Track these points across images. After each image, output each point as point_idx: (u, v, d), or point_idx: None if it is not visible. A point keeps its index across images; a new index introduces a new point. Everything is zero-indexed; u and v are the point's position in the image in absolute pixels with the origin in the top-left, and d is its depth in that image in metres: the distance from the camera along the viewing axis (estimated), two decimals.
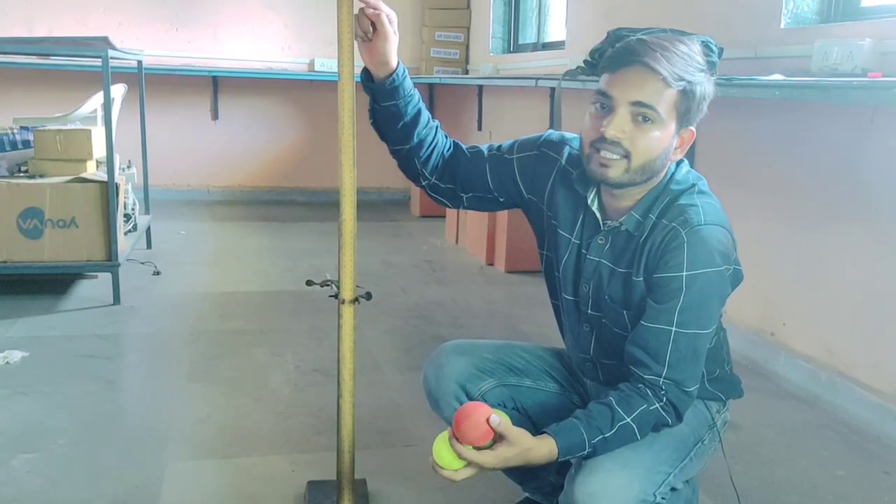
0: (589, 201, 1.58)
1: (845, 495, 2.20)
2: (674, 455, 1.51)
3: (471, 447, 1.37)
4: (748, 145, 3.25)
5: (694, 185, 1.52)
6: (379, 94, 1.60)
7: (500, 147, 1.71)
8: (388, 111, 1.62)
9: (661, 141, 1.44)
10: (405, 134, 1.65)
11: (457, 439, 1.37)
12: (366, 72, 1.61)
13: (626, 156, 1.43)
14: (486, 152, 1.71)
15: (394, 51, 1.56)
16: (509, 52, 6.35)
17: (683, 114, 1.45)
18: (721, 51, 3.18)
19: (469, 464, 1.38)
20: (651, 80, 1.41)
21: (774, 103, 3.06)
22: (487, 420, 1.35)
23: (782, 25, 3.05)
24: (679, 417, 1.48)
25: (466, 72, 6.86)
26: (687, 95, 1.43)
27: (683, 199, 1.48)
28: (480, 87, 6.57)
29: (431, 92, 7.17)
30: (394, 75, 1.58)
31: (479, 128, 6.65)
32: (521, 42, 6.26)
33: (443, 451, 1.39)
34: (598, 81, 1.49)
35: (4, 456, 2.24)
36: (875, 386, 2.65)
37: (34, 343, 3.13)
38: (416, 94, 1.63)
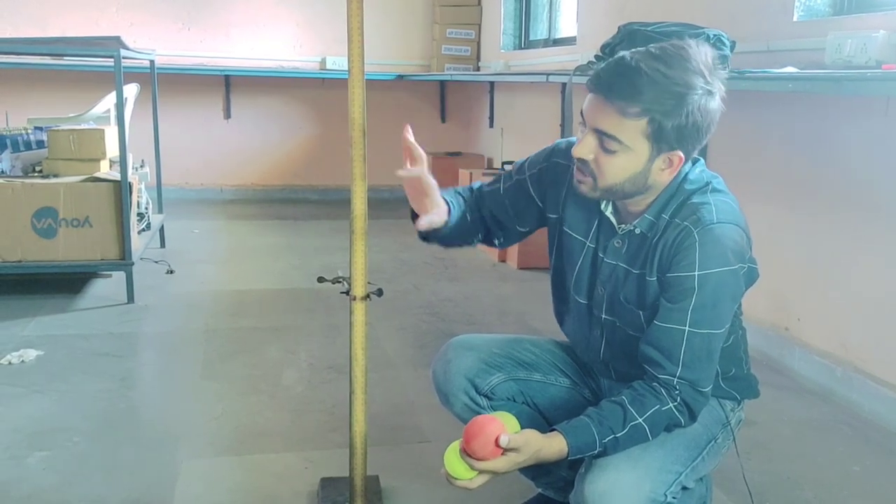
0: (602, 207, 1.58)
1: (861, 491, 2.19)
2: (686, 454, 1.50)
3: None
4: (761, 139, 3.23)
5: (708, 184, 1.51)
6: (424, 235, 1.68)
7: (510, 175, 1.74)
8: (431, 240, 1.70)
9: (629, 167, 1.44)
10: (448, 242, 1.74)
11: (467, 454, 1.38)
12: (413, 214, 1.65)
13: (593, 176, 1.46)
14: (501, 188, 1.74)
15: (439, 201, 1.61)
16: (520, 48, 6.33)
17: (658, 139, 1.41)
18: (733, 44, 3.16)
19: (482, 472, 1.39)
20: (608, 111, 1.41)
21: (787, 96, 3.04)
22: (497, 440, 1.36)
23: (795, 18, 3.03)
24: (693, 417, 1.47)
25: (478, 68, 6.84)
26: (658, 123, 1.39)
27: (696, 198, 1.48)
28: (492, 84, 6.56)
29: (443, 89, 7.17)
30: (443, 229, 1.64)
31: (491, 125, 6.64)
32: (532, 38, 6.25)
33: (455, 463, 1.40)
34: None
35: (20, 453, 2.25)
36: (891, 381, 2.63)
37: (49, 342, 3.15)
38: (456, 213, 1.66)
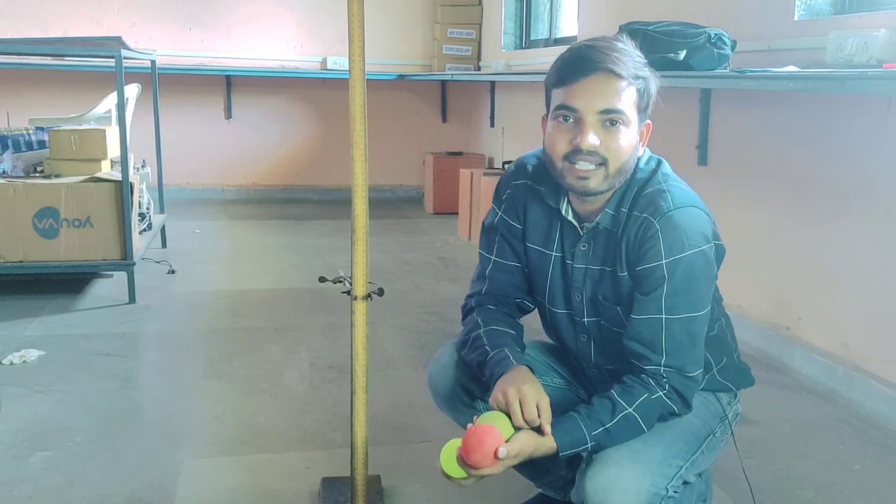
0: (563, 211, 1.59)
1: (862, 490, 2.18)
2: (685, 448, 1.51)
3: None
4: (762, 138, 3.23)
5: (657, 170, 1.54)
6: None
7: (487, 232, 1.72)
8: None
9: (630, 139, 1.48)
10: None
11: (466, 463, 1.39)
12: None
13: (603, 163, 1.46)
14: (494, 251, 1.70)
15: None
16: (521, 48, 6.33)
17: (643, 109, 1.49)
18: (734, 43, 3.15)
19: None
20: (613, 85, 1.43)
21: (789, 96, 3.04)
22: (495, 452, 1.37)
23: (796, 17, 3.03)
24: (686, 404, 1.49)
25: (479, 68, 6.84)
26: (643, 92, 1.47)
27: (651, 187, 1.51)
28: (493, 84, 6.56)
29: (444, 89, 7.16)
30: None
31: (492, 124, 6.64)
32: (532, 38, 6.25)
33: (451, 464, 1.42)
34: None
35: (22, 453, 2.26)
36: (892, 380, 2.63)
37: (51, 342, 3.16)
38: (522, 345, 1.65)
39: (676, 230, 1.45)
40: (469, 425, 1.43)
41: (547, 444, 1.40)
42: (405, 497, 2.09)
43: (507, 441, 1.39)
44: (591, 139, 1.44)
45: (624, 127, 1.45)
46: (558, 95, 1.47)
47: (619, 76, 1.43)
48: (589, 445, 1.41)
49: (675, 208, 1.46)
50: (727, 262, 1.59)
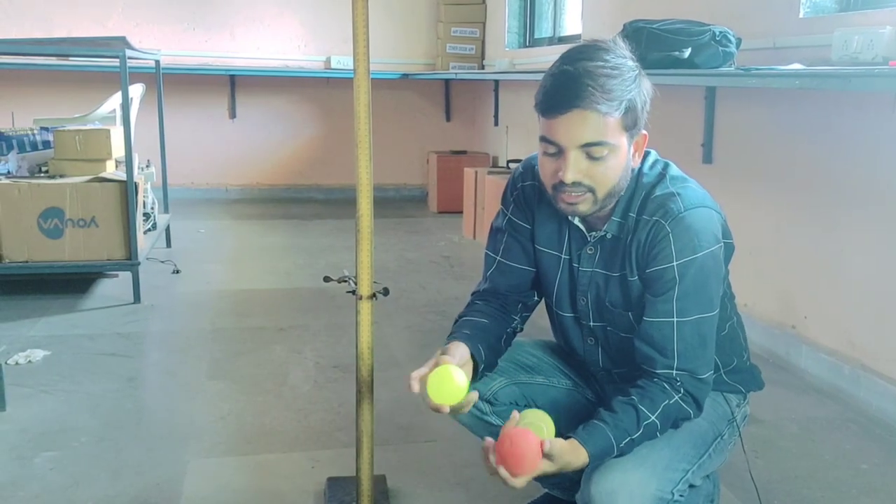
0: (570, 216, 1.57)
1: (869, 489, 2.18)
2: (692, 451, 1.50)
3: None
4: (767, 136, 3.22)
5: (664, 174, 1.52)
6: None
7: (494, 233, 1.71)
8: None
9: (620, 163, 1.44)
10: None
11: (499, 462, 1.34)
12: None
13: (591, 190, 1.44)
14: (500, 251, 1.69)
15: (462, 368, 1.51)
16: (525, 46, 6.32)
17: (632, 127, 1.44)
18: (739, 41, 3.14)
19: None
20: (593, 120, 1.39)
21: (794, 93, 3.03)
22: (541, 448, 1.32)
23: (801, 15, 3.02)
24: (699, 407, 1.48)
25: (482, 67, 6.84)
26: (630, 111, 1.42)
27: (659, 191, 1.49)
28: (496, 83, 6.55)
29: (447, 87, 7.16)
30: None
31: (496, 123, 6.63)
32: (536, 36, 6.24)
33: (439, 385, 1.42)
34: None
35: (27, 454, 2.26)
36: None
37: (56, 342, 3.16)
38: (495, 353, 1.62)
39: (688, 232, 1.44)
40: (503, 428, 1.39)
41: (581, 457, 1.36)
42: (410, 497, 2.08)
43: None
44: (573, 175, 1.42)
45: (610, 154, 1.42)
46: (541, 124, 1.45)
47: (595, 110, 1.38)
48: (615, 455, 1.39)
49: (685, 210, 1.45)
50: (733, 261, 1.59)
